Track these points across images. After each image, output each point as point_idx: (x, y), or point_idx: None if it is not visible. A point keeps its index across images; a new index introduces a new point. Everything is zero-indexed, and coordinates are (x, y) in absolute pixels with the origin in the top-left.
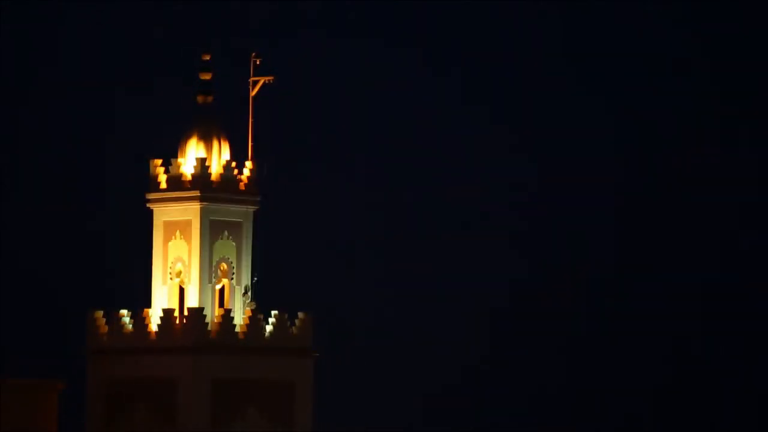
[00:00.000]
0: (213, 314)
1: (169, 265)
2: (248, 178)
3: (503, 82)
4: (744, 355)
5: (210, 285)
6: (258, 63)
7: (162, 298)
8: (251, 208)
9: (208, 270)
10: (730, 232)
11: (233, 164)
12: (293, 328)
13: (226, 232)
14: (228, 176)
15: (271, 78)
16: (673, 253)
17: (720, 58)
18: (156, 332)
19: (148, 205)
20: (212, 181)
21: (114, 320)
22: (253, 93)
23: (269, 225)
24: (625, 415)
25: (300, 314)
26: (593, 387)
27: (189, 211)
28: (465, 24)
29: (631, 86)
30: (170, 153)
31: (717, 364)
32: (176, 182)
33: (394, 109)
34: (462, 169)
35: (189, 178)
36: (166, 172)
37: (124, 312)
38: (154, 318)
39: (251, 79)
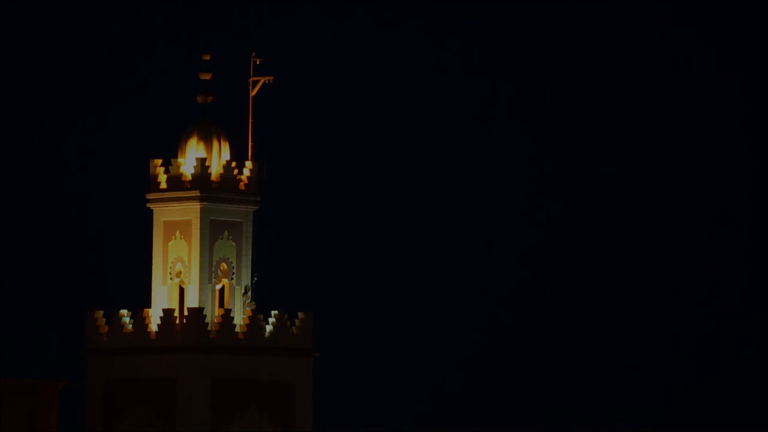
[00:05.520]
0: (213, 314)
1: (169, 265)
2: (248, 178)
3: (510, 77)
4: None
5: (210, 285)
6: (258, 63)
7: (162, 298)
8: (251, 208)
9: (208, 270)
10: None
11: (233, 164)
12: (293, 328)
13: (226, 232)
14: (228, 176)
15: (271, 78)
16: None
17: None
18: (156, 332)
19: (148, 205)
20: (212, 181)
21: (114, 320)
22: (253, 93)
23: (269, 225)
24: (630, 415)
25: (300, 314)
26: (594, 387)
27: (189, 211)
28: (466, 24)
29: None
30: (170, 153)
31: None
32: (176, 182)
33: (394, 109)
34: (464, 168)
35: (189, 178)
36: (166, 172)
37: (124, 312)
38: (154, 318)
39: (251, 79)
